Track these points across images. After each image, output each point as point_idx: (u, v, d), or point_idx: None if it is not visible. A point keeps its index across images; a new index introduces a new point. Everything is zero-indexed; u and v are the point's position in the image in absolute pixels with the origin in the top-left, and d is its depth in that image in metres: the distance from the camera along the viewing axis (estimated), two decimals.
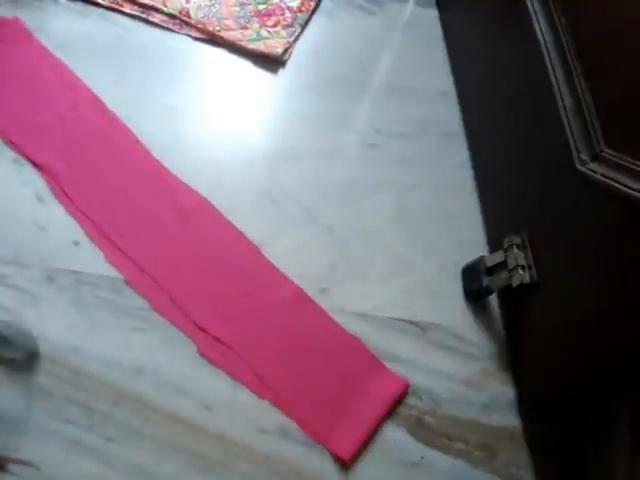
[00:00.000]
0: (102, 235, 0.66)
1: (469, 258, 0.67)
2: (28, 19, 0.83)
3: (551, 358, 0.57)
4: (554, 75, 0.52)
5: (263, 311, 0.64)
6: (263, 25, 0.88)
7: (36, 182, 0.69)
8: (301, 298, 0.65)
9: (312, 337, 0.61)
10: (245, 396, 0.59)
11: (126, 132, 0.75)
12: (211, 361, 0.60)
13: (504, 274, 0.61)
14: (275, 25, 0.88)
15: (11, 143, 0.72)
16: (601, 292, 0.49)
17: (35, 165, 0.70)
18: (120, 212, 0.68)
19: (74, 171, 0.70)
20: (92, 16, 0.86)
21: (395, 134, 0.80)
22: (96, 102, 0.77)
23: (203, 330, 0.62)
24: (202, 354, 0.60)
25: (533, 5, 0.58)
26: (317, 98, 0.82)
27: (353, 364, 0.62)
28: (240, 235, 0.69)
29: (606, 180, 0.44)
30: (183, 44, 0.86)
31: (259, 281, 0.66)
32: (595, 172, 0.45)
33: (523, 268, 0.59)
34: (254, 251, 0.68)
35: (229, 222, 0.69)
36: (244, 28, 0.87)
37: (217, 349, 0.61)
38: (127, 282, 0.64)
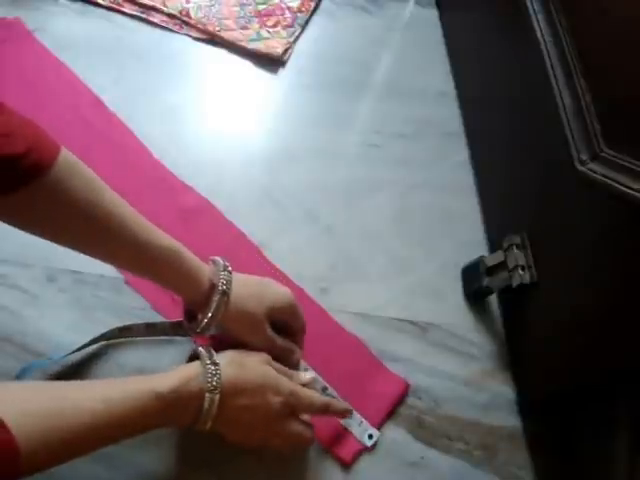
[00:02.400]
0: None
1: (469, 258, 0.68)
2: (28, 19, 0.83)
3: (551, 358, 0.57)
4: (554, 75, 0.52)
5: None
6: (263, 25, 0.88)
7: None
8: (301, 298, 0.65)
9: (312, 337, 0.61)
10: None
11: (126, 132, 0.75)
12: None
13: (504, 274, 0.61)
14: (275, 25, 0.88)
15: None
16: (601, 292, 0.49)
17: None
18: None
19: None
20: (92, 16, 0.86)
21: (395, 134, 0.80)
22: (96, 102, 0.77)
23: None
24: None
25: (533, 5, 0.58)
26: (317, 98, 0.82)
27: (353, 364, 0.62)
28: (240, 235, 0.69)
29: (606, 180, 0.44)
30: (183, 44, 0.86)
31: None
32: (595, 172, 0.45)
33: (523, 268, 0.59)
34: (254, 251, 0.68)
35: (229, 222, 0.69)
36: (244, 28, 0.87)
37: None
38: (127, 282, 0.64)
